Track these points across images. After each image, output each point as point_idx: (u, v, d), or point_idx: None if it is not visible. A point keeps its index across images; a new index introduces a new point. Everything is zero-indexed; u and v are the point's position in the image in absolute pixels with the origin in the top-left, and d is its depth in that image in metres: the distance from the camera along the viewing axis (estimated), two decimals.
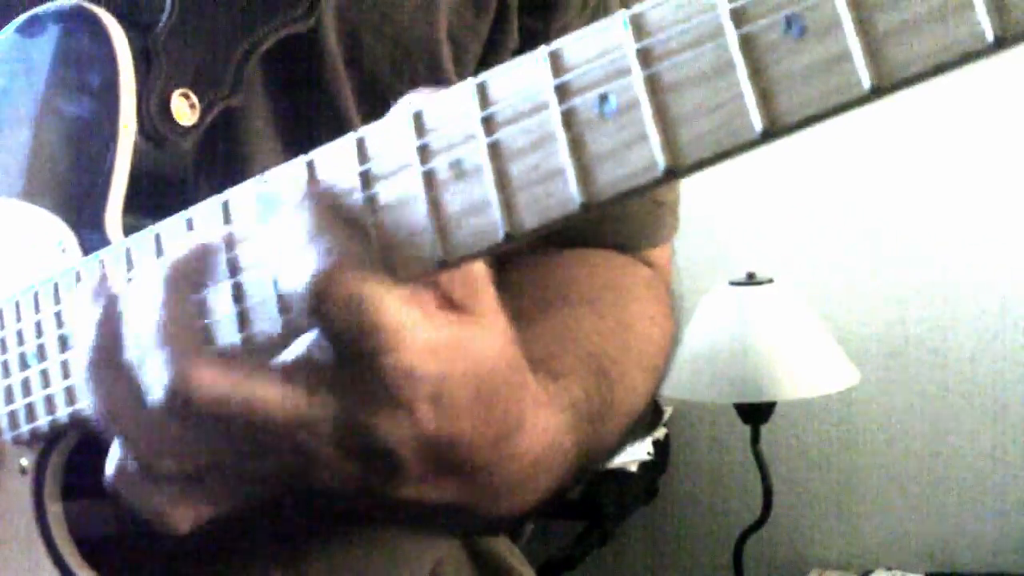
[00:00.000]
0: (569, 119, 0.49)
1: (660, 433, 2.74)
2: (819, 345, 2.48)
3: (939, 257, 2.72)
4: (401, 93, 0.57)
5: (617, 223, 0.94)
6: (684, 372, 2.48)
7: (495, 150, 0.52)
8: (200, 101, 0.77)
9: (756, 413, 2.53)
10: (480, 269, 0.59)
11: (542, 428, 0.66)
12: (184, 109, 0.77)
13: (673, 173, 0.46)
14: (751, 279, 2.53)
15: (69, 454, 0.78)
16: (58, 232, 0.77)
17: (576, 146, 0.49)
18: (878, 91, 0.40)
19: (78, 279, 0.72)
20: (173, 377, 0.59)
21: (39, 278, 0.75)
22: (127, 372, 0.63)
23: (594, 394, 0.75)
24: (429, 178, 0.54)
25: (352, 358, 0.57)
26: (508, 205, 0.51)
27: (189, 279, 0.62)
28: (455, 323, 0.58)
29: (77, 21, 0.78)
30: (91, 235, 0.76)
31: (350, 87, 0.83)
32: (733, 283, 2.53)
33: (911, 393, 2.78)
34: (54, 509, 0.77)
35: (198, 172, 0.78)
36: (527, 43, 0.88)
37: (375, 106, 0.73)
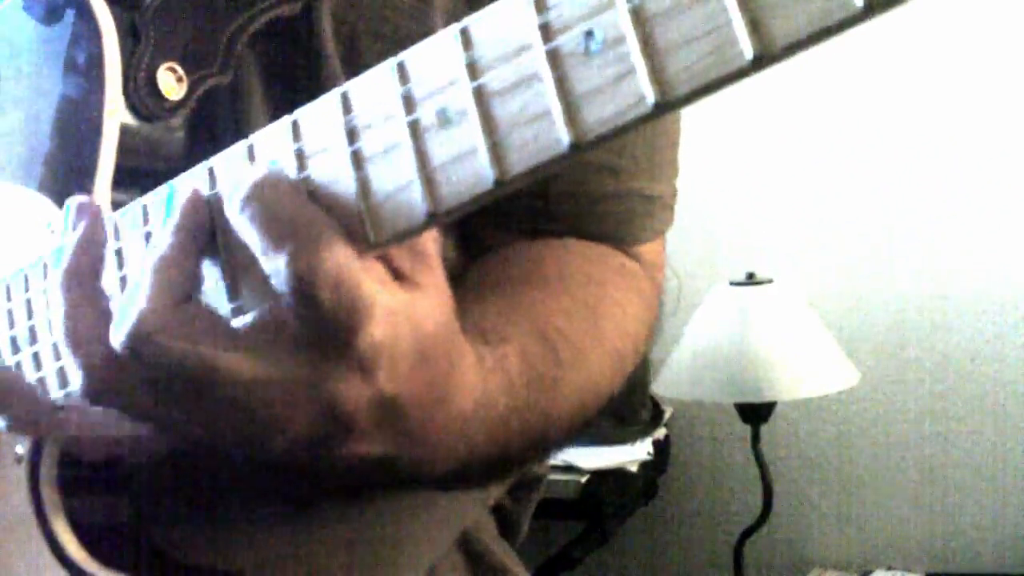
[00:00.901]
0: (554, 58, 0.49)
1: (660, 433, 2.72)
2: (819, 345, 2.47)
3: (939, 257, 2.72)
4: None
5: (604, 216, 0.92)
6: (684, 372, 2.47)
7: (480, 95, 0.51)
8: (187, 76, 0.77)
9: (756, 413, 2.52)
10: (429, 243, 0.61)
11: (471, 386, 0.68)
12: (171, 83, 0.77)
13: (663, 107, 0.45)
14: (751, 279, 2.53)
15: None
16: (46, 212, 0.77)
17: (562, 86, 0.48)
18: (871, 8, 0.39)
19: None
20: (139, 318, 0.60)
21: (28, 260, 0.75)
22: (100, 298, 0.65)
23: (536, 364, 0.76)
24: (414, 128, 0.54)
25: (331, 332, 0.58)
26: (496, 151, 0.51)
27: (190, 232, 0.62)
28: (405, 292, 0.60)
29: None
30: None
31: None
32: (733, 283, 2.52)
33: (911, 393, 2.77)
34: (50, 496, 0.77)
35: (191, 151, 0.78)
36: None
37: None
